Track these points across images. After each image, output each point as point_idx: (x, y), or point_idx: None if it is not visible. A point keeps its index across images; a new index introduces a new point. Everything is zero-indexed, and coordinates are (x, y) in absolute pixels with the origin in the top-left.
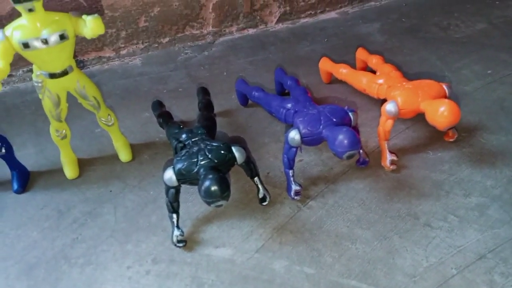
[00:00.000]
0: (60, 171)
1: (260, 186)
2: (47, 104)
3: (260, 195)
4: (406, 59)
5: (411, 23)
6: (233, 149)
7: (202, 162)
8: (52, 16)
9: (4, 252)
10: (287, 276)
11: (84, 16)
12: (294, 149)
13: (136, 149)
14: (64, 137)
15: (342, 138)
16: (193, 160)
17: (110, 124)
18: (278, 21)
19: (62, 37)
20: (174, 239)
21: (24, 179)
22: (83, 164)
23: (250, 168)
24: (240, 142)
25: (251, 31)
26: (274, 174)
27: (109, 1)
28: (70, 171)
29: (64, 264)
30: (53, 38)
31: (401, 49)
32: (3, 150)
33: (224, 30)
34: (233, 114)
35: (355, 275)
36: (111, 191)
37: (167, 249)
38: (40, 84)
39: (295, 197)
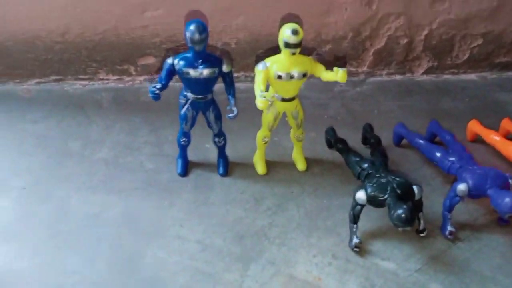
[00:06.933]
0: (250, 166)
1: (422, 220)
2: (268, 117)
3: (421, 227)
4: None
5: None
6: (414, 187)
7: (391, 193)
8: (300, 58)
9: (219, 220)
10: None
11: (335, 68)
12: (458, 198)
13: (308, 162)
14: (266, 142)
15: (508, 201)
16: (383, 189)
17: (300, 139)
18: (423, 73)
19: (304, 75)
20: (353, 245)
21: (227, 166)
22: (268, 165)
23: (420, 204)
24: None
25: (398, 77)
26: (425, 212)
27: None
28: (261, 168)
29: (265, 240)
30: (298, 75)
31: None
32: (223, 142)
33: (376, 72)
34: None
35: None
36: (292, 192)
37: (342, 250)
38: (270, 103)
39: (449, 237)
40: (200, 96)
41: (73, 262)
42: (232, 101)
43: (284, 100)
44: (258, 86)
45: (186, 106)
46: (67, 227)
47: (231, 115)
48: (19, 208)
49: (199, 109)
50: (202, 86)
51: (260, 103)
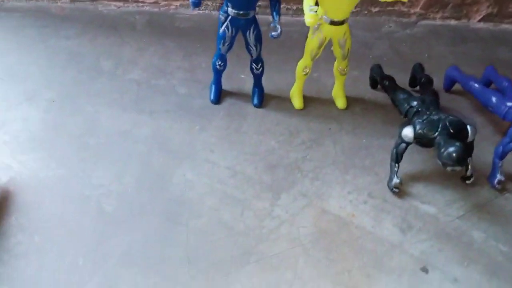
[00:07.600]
0: (286, 100)
1: (470, 166)
2: (313, 43)
3: (468, 173)
4: None
5: None
6: (468, 127)
7: (442, 130)
8: None
9: (251, 149)
10: (484, 246)
11: None
12: None
13: (348, 101)
14: (306, 74)
15: None
16: (434, 126)
17: (343, 73)
18: (480, 20)
19: None
20: (392, 184)
21: (263, 97)
22: (305, 100)
23: (471, 147)
24: (471, 122)
25: (452, 22)
26: (473, 161)
27: None
28: (298, 102)
29: (298, 173)
30: None
31: None
32: (260, 69)
33: (429, 15)
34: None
35: None
36: (330, 128)
37: (380, 189)
38: (317, 26)
39: (497, 186)
40: (241, 12)
41: (100, 175)
42: (277, 18)
43: (332, 23)
44: (307, 2)
45: (225, 24)
46: (96, 141)
47: (274, 33)
48: (48, 118)
49: (239, 27)
50: (244, 0)
51: (309, 18)
